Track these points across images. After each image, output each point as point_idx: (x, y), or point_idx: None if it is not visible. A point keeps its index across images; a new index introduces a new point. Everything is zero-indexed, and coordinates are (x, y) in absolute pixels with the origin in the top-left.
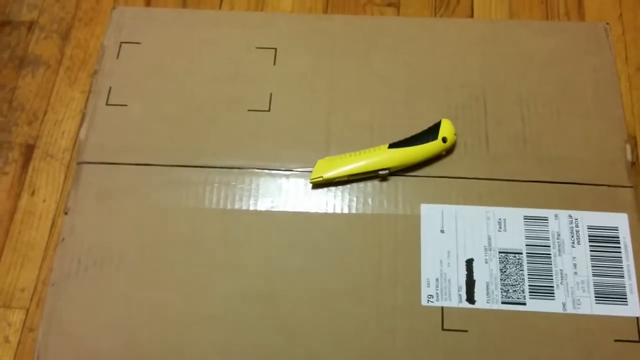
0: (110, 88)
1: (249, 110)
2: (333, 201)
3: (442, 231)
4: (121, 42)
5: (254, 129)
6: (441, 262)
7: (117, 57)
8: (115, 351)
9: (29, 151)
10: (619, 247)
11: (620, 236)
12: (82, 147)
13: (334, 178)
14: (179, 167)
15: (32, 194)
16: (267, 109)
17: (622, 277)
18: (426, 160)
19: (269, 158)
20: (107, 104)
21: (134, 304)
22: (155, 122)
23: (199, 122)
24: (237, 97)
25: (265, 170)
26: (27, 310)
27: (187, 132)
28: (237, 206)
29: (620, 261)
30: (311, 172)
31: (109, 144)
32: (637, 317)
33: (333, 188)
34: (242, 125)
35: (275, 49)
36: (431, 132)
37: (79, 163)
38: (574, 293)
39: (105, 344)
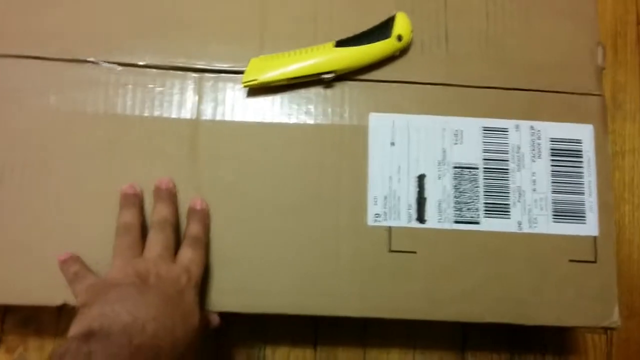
0: None
1: None
2: (270, 108)
3: (393, 144)
4: None
5: (174, 19)
6: (390, 178)
7: None
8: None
9: None
10: (582, 162)
11: (583, 150)
12: None
13: (271, 82)
14: (84, 63)
15: None
16: None
17: (583, 194)
18: (377, 62)
19: (193, 55)
20: None
21: (35, 223)
22: (52, 3)
23: (108, 5)
24: None
25: (189, 72)
26: None
27: (92, 19)
28: (156, 113)
29: (582, 177)
30: (243, 73)
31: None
32: (595, 237)
33: (270, 94)
34: (160, 14)
35: None
36: (384, 29)
37: None
38: (531, 211)
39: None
